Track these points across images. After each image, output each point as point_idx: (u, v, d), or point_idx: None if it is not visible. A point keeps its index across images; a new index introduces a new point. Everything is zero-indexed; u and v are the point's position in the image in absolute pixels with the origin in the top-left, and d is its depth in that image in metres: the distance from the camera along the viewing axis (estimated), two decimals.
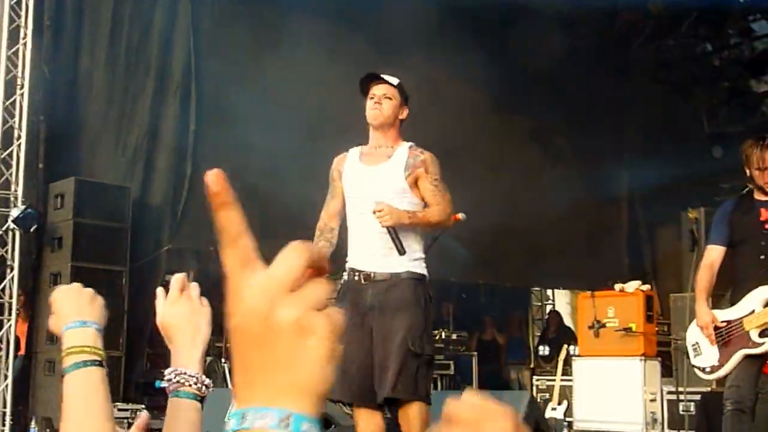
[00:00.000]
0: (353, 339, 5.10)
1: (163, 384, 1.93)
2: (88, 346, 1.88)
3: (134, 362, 10.51)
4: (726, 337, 5.82)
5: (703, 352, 5.97)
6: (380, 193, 5.20)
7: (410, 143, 5.39)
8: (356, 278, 5.25)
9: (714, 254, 6.09)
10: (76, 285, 2.01)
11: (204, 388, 1.91)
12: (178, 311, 1.96)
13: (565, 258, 14.09)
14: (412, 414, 5.06)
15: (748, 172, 5.87)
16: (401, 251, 5.01)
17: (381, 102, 5.27)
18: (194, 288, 2.01)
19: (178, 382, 1.89)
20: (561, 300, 17.65)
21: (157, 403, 10.20)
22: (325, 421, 7.47)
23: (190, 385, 1.88)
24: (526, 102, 13.58)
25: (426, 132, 11.13)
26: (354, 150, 5.50)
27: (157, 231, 11.02)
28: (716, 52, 15.25)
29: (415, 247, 5.21)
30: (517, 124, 13.96)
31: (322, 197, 9.66)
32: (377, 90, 5.31)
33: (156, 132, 11.07)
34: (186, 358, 1.91)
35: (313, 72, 11.42)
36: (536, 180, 13.92)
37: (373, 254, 5.23)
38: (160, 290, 1.99)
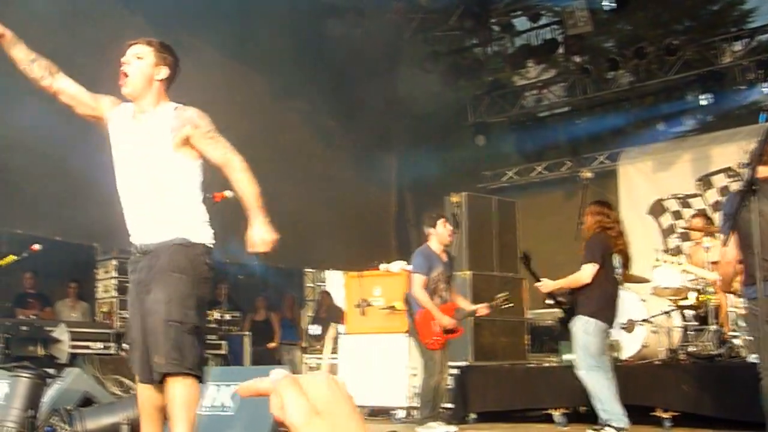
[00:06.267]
0: (135, 315, 4.92)
1: None
2: None
3: None
4: None
5: None
6: (142, 158, 4.88)
7: (176, 104, 4.97)
8: (135, 253, 4.95)
9: None
10: None
11: None
12: None
13: (337, 240, 14.39)
14: (173, 389, 4.71)
15: None
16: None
17: (129, 63, 4.91)
18: None
19: None
20: (337, 281, 17.99)
21: None
22: (86, 399, 7.44)
23: None
24: (300, 86, 13.75)
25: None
26: (127, 105, 5.04)
27: None
28: (481, 46, 15.84)
29: (186, 211, 4.89)
30: (290, 109, 14.13)
31: (92, 171, 9.54)
32: (128, 51, 4.95)
33: None
34: None
35: (88, 50, 11.23)
36: (309, 163, 14.13)
37: (141, 222, 4.90)
38: None
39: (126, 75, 4.92)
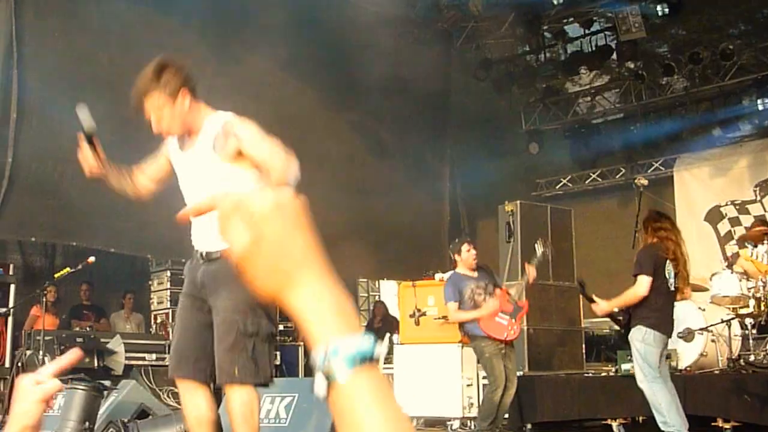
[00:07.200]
0: (187, 317, 4.94)
1: None
2: None
3: None
4: None
5: None
6: (199, 180, 4.87)
7: (216, 114, 4.88)
8: (196, 257, 4.95)
9: None
10: None
11: None
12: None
13: (390, 250, 14.36)
14: (234, 400, 4.71)
15: None
16: None
17: (155, 121, 4.82)
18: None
19: None
20: (389, 291, 17.96)
21: None
22: (142, 412, 7.49)
23: None
24: (352, 97, 13.78)
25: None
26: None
27: None
28: (533, 53, 15.77)
29: None
30: (343, 119, 14.15)
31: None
32: (148, 107, 4.82)
33: None
34: None
35: (137, 60, 11.37)
36: (362, 174, 14.14)
37: (207, 234, 4.82)
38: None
39: (161, 129, 4.88)
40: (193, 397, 4.86)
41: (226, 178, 4.75)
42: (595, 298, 8.14)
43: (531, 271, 9.31)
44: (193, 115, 4.87)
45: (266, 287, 1.13)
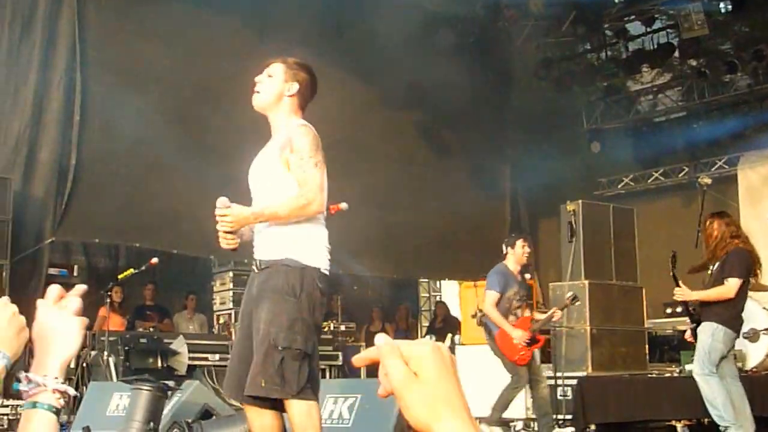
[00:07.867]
0: (241, 332, 4.93)
1: (21, 387, 1.84)
2: None
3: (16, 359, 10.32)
4: None
5: None
6: (258, 177, 4.96)
7: (301, 122, 4.94)
8: (253, 267, 4.96)
9: None
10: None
11: (63, 397, 1.81)
12: (48, 320, 1.91)
13: (451, 250, 14.32)
14: (289, 413, 4.67)
15: None
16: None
17: (261, 82, 5.00)
18: (72, 299, 1.98)
19: (37, 385, 1.81)
20: (451, 291, 17.89)
21: None
22: (206, 412, 7.51)
23: (46, 392, 1.80)
24: (412, 96, 13.77)
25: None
26: None
27: (40, 223, 10.85)
28: (594, 52, 15.63)
29: (299, 230, 4.79)
30: (403, 119, 14.15)
31: (208, 184, 9.73)
32: (266, 70, 5.05)
33: (39, 122, 10.91)
34: (45, 366, 1.85)
35: (198, 62, 11.50)
36: (423, 173, 14.12)
37: (260, 240, 4.89)
38: (40, 301, 1.94)
39: (257, 91, 5.01)
40: (252, 417, 4.84)
41: (277, 179, 4.83)
42: (680, 283, 8.02)
43: (558, 314, 9.44)
44: (286, 108, 4.99)
45: (417, 418, 1.25)
